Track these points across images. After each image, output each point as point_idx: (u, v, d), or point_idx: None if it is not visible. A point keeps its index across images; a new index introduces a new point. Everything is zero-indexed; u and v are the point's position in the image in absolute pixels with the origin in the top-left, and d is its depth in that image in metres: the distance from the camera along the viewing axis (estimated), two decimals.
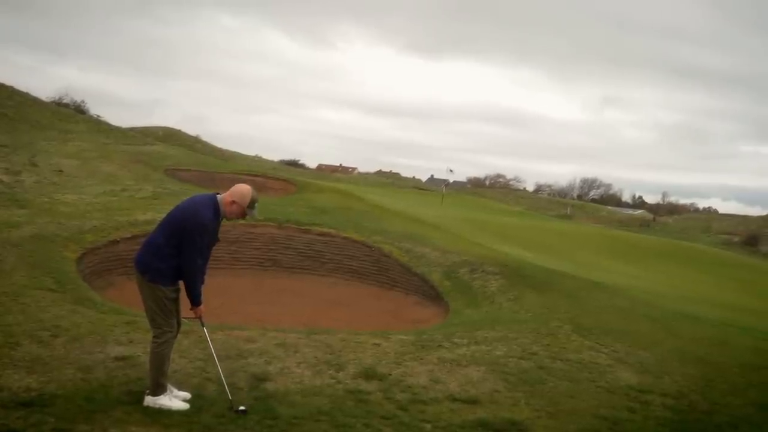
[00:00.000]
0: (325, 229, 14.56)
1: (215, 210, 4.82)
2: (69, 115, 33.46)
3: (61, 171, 18.30)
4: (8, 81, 30.96)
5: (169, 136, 44.72)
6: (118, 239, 11.50)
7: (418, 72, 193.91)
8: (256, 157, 62.57)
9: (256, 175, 27.26)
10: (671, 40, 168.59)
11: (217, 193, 4.95)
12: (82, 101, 49.68)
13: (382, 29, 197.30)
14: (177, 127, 49.54)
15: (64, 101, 46.39)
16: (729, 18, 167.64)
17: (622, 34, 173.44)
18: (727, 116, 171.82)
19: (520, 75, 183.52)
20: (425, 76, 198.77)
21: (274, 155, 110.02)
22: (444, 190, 46.26)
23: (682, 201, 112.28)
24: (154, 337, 4.74)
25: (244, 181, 18.32)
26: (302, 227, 14.53)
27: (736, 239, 53.70)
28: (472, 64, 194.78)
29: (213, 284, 9.70)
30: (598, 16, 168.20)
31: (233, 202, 4.87)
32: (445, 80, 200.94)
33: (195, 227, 4.67)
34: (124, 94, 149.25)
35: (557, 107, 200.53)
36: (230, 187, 5.02)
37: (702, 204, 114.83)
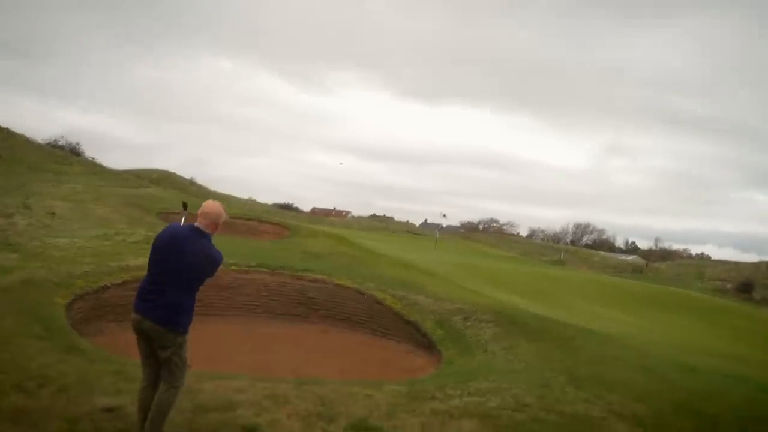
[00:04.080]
0: (318, 276, 14.49)
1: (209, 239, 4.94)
2: (64, 157, 33.58)
3: (53, 213, 18.25)
4: (8, 123, 31.20)
5: (164, 179, 44.90)
6: (109, 285, 11.41)
7: (414, 117, 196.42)
8: (249, 199, 62.62)
9: (249, 219, 27.28)
10: (664, 89, 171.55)
11: (195, 225, 4.97)
12: (78, 143, 49.98)
13: (379, 74, 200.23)
14: (176, 170, 49.77)
15: (60, 143, 46.60)
16: (719, 68, 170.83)
17: (616, 83, 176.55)
18: (719, 163, 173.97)
19: (515, 120, 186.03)
20: (421, 121, 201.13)
21: (269, 198, 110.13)
22: (437, 235, 46.34)
23: (675, 246, 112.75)
24: (171, 387, 4.73)
25: (237, 225, 18.16)
26: (295, 273, 14.46)
27: (729, 286, 53.75)
28: (467, 109, 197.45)
29: (203, 331, 9.62)
30: (593, 64, 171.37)
31: (213, 223, 4.98)
32: (440, 125, 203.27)
33: (216, 268, 4.93)
34: (125, 137, 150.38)
35: (551, 153, 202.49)
36: (218, 227, 5.08)
37: (697, 250, 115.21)
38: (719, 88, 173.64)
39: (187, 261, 4.76)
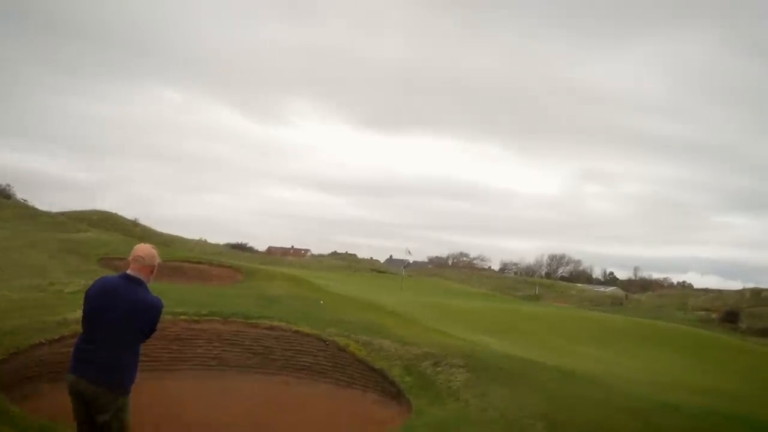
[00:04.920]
0: (275, 322, 14.35)
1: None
2: None
3: None
4: None
5: (104, 221, 44.32)
6: (44, 341, 11.12)
7: (376, 147, 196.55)
8: (200, 240, 62.18)
9: (199, 262, 26.98)
10: (639, 111, 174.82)
11: (127, 273, 4.91)
12: (8, 185, 49.15)
13: (337, 103, 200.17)
14: (118, 210, 49.10)
15: None
16: (694, 88, 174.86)
17: (588, 105, 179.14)
18: (698, 187, 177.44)
19: (482, 148, 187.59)
20: (383, 151, 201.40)
21: (221, 238, 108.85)
22: (403, 272, 46.36)
23: (656, 275, 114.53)
24: None
25: (186, 270, 17.99)
26: (250, 321, 14.30)
27: (714, 316, 54.67)
28: (431, 138, 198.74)
29: (150, 390, 9.41)
30: (563, 87, 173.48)
31: (147, 267, 4.93)
32: (403, 155, 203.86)
33: (156, 317, 4.86)
34: (61, 176, 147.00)
35: (522, 181, 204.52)
36: (153, 272, 5.04)
37: (678, 278, 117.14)
38: (695, 108, 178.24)
39: (121, 312, 4.70)
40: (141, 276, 4.86)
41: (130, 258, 4.91)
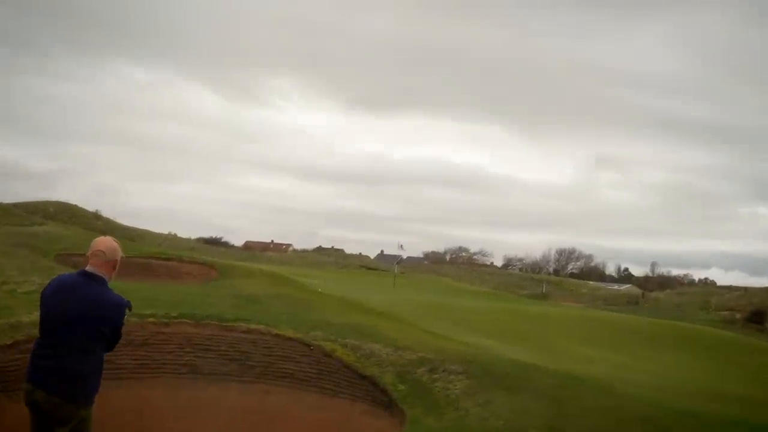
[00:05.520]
0: (254, 325, 14.37)
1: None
2: None
3: None
4: None
5: (63, 212, 44.18)
6: None
7: (366, 130, 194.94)
8: (169, 235, 62.01)
9: (168, 258, 26.96)
10: (660, 91, 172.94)
11: (86, 270, 4.90)
12: None
13: (322, 81, 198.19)
14: (79, 201, 48.87)
15: None
16: (721, 67, 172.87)
17: (603, 85, 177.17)
18: (724, 175, 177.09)
19: (485, 131, 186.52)
20: (374, 135, 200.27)
21: (193, 232, 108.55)
22: (396, 269, 46.45)
23: (675, 272, 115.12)
24: None
25: (154, 267, 18.03)
26: (225, 324, 14.32)
27: (739, 316, 54.89)
28: (428, 119, 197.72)
29: (115, 400, 9.43)
30: (576, 64, 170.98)
31: (108, 263, 4.92)
32: (397, 139, 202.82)
33: (120, 318, 4.87)
34: (15, 163, 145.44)
35: (528, 168, 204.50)
36: (115, 267, 5.03)
37: (700, 275, 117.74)
38: (722, 89, 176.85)
39: (80, 314, 4.68)
40: (101, 273, 4.85)
41: (89, 253, 4.90)
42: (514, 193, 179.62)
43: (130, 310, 5.75)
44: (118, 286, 5.09)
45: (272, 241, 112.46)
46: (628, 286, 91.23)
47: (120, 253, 5.01)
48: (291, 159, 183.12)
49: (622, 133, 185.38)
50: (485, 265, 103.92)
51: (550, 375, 12.78)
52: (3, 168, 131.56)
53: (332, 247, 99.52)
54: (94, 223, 44.99)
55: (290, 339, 14.03)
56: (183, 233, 69.33)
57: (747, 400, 15.00)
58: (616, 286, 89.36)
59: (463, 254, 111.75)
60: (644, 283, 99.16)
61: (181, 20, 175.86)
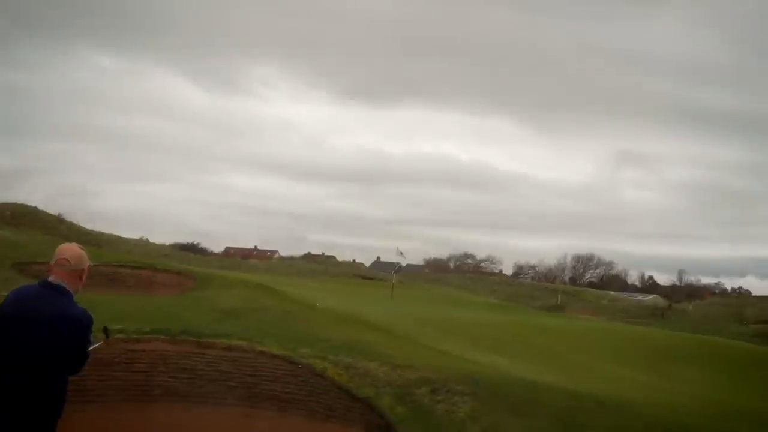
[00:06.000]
0: (235, 342, 14.36)
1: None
2: None
3: None
4: None
5: (23, 217, 43.97)
6: None
7: (361, 123, 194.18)
8: (141, 240, 62.00)
9: (140, 267, 26.92)
10: (689, 79, 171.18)
11: (48, 281, 4.87)
12: None
13: (312, 68, 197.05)
14: (40, 203, 48.63)
15: None
16: (758, 53, 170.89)
17: (623, 73, 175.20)
18: (758, 172, 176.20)
19: (493, 124, 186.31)
20: (370, 129, 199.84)
21: (168, 237, 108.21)
22: (394, 278, 46.47)
23: (705, 280, 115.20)
24: None
25: (124, 277, 17.95)
26: (203, 340, 14.31)
27: None
28: (430, 111, 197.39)
29: (80, 424, 9.41)
30: (595, 49, 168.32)
31: (74, 273, 4.89)
32: (395, 133, 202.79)
33: (85, 336, 4.82)
34: None
35: (541, 165, 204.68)
36: (82, 278, 5.00)
37: (733, 284, 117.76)
38: (760, 77, 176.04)
39: (40, 332, 4.65)
40: (66, 284, 4.82)
41: (52, 262, 4.88)
42: (525, 193, 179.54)
43: (108, 337, 5.68)
44: (82, 298, 5.06)
45: (256, 247, 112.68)
46: (652, 296, 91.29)
47: (87, 262, 4.98)
48: (277, 155, 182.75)
49: (646, 126, 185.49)
50: (493, 274, 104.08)
51: (565, 396, 12.77)
52: None
53: (323, 253, 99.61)
54: (57, 228, 44.83)
55: (276, 357, 14.02)
56: (156, 238, 69.13)
57: None
58: (639, 297, 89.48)
59: (469, 261, 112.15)
60: (671, 293, 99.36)
61: (155, 1, 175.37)
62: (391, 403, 12.14)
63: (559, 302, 70.34)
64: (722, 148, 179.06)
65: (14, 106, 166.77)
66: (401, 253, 48.95)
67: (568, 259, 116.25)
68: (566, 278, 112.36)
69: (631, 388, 17.66)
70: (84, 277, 4.96)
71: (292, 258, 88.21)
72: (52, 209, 49.97)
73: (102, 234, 52.83)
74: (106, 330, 5.94)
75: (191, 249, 73.96)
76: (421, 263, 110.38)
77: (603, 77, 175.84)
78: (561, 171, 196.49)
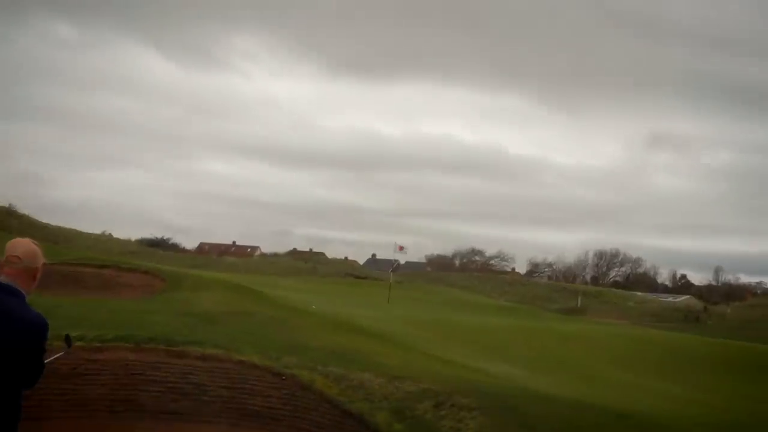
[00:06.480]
0: (210, 350, 14.38)
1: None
2: None
3: None
4: None
5: None
6: None
7: (355, 101, 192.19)
8: (104, 235, 62.05)
9: (102, 266, 26.95)
10: (725, 52, 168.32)
11: None
12: None
13: (301, 42, 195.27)
14: None
15: None
16: None
17: (653, 44, 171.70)
18: None
19: (505, 102, 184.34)
20: (364, 107, 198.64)
21: (134, 232, 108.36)
22: (392, 277, 46.55)
23: (745, 279, 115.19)
24: None
25: (84, 277, 17.93)
26: (174, 348, 14.32)
27: None
28: (433, 87, 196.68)
29: None
30: (618, 16, 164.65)
31: (26, 271, 4.85)
32: (393, 112, 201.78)
33: (40, 341, 4.71)
34: None
35: (559, 148, 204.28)
36: (36, 277, 4.98)
37: None
38: None
39: None
40: (17, 284, 4.80)
41: (1, 260, 4.86)
42: (541, 181, 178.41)
43: (69, 346, 5.66)
44: (36, 301, 5.05)
45: (234, 242, 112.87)
46: (685, 297, 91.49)
47: (42, 259, 4.96)
48: (259, 138, 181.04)
49: (680, 103, 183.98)
50: (504, 273, 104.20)
51: (586, 411, 12.79)
52: None
53: (310, 250, 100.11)
54: (7, 222, 44.88)
55: (257, 367, 14.04)
56: (120, 233, 69.41)
57: None
58: (670, 298, 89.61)
59: (477, 258, 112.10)
60: (706, 293, 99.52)
61: None
62: (388, 419, 12.16)
63: (579, 305, 70.53)
64: (760, 128, 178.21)
65: None
66: (401, 248, 48.87)
67: (590, 255, 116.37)
68: (587, 277, 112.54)
69: (661, 401, 17.71)
70: (38, 277, 4.94)
71: (275, 255, 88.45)
72: (1, 200, 50.01)
73: (59, 228, 52.92)
74: (67, 339, 5.91)
75: (160, 245, 73.99)
76: (423, 261, 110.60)
77: (630, 47, 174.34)
78: (582, 155, 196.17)
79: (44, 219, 53.40)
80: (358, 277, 63.17)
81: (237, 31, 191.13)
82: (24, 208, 53.66)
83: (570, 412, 12.48)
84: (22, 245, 4.90)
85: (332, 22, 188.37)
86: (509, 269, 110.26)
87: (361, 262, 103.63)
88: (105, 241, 58.16)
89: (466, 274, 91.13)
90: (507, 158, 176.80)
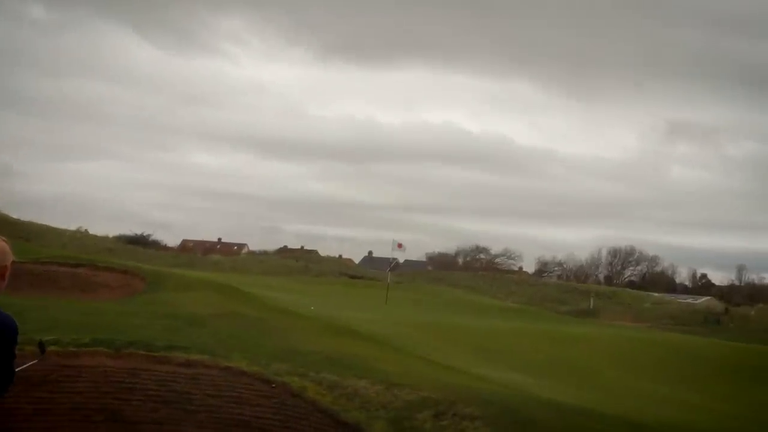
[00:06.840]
0: (195, 356, 14.41)
1: None
2: None
3: None
4: None
5: None
6: None
7: (349, 87, 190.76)
8: (79, 231, 61.99)
9: (77, 265, 26.95)
10: (751, 33, 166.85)
11: None
12: None
13: (292, 23, 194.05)
14: None
15: None
16: None
17: (672, 26, 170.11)
18: None
19: (512, 88, 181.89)
20: (360, 94, 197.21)
21: (112, 228, 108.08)
22: (390, 277, 46.59)
23: None
24: None
25: (58, 276, 18.11)
26: (156, 354, 14.35)
27: None
28: (434, 73, 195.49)
29: None
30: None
31: None
32: (391, 99, 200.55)
33: (10, 345, 4.72)
34: None
35: (570, 138, 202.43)
36: (5, 276, 4.99)
37: None
38: None
39: None
40: None
41: None
42: (551, 173, 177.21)
43: (43, 353, 5.67)
44: (4, 302, 5.06)
45: (219, 239, 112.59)
46: (706, 298, 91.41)
47: (11, 257, 4.97)
48: (247, 127, 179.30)
49: (702, 91, 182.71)
50: (511, 272, 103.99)
51: (597, 420, 12.84)
52: None
53: (302, 247, 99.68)
54: None
55: (244, 374, 14.07)
56: (97, 230, 69.19)
57: None
58: (689, 299, 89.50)
59: (482, 257, 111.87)
60: (728, 294, 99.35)
61: None
62: (386, 430, 12.20)
63: (591, 306, 70.47)
64: None
65: None
66: (400, 246, 48.81)
67: (603, 253, 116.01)
68: (600, 277, 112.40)
69: (678, 411, 17.76)
70: (6, 276, 4.96)
71: (264, 253, 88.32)
72: None
73: (31, 224, 52.93)
74: (41, 345, 5.92)
75: (140, 242, 73.76)
76: (423, 259, 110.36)
77: (647, 30, 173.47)
78: (594, 145, 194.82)
79: (14, 214, 53.42)
80: (353, 277, 63.17)
81: (223, 13, 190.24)
82: None
83: (580, 422, 12.52)
84: None
85: (325, 2, 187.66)
86: (516, 268, 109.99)
87: (357, 260, 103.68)
88: (80, 237, 58.15)
89: (469, 274, 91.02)
90: (514, 149, 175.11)
